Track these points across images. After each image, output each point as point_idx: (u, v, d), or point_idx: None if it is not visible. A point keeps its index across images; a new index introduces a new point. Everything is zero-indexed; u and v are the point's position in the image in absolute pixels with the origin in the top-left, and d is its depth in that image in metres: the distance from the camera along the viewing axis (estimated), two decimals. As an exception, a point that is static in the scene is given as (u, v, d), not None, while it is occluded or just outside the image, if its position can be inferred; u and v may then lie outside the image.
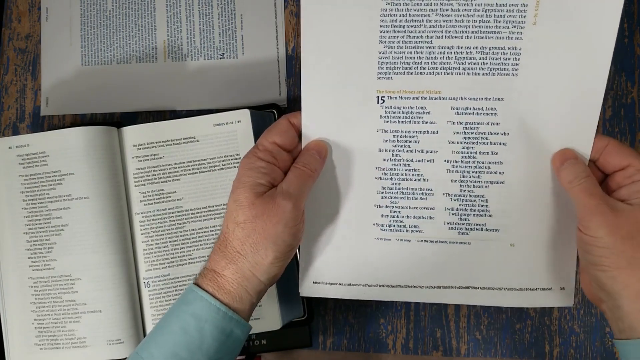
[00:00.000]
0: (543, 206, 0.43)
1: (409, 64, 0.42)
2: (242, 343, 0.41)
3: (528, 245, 0.44)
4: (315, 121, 0.43)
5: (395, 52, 0.42)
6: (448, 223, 0.44)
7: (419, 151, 0.43)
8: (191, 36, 0.56)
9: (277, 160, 0.42)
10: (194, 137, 0.49)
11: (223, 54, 0.56)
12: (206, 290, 0.40)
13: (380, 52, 0.42)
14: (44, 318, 0.49)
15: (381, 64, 0.42)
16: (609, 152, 0.41)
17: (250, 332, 0.49)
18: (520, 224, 0.43)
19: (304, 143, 0.44)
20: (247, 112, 0.49)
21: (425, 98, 0.42)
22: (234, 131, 0.49)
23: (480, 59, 0.41)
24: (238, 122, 0.49)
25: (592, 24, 0.39)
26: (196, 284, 0.41)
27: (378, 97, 0.43)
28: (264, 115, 0.52)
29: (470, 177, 0.43)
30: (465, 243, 0.44)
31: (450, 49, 0.41)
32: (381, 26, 0.41)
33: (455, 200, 0.44)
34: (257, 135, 0.50)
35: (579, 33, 0.40)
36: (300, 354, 0.55)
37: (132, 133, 0.50)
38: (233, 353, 0.41)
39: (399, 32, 0.41)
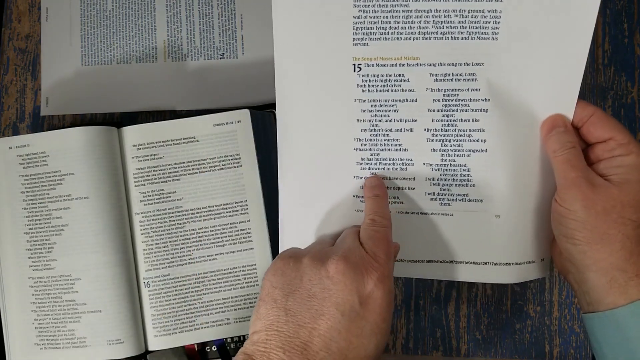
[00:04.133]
0: (528, 175, 0.42)
1: (386, 29, 0.40)
2: None
3: (514, 216, 0.42)
4: (290, 93, 0.42)
5: (370, 17, 0.40)
6: (429, 194, 0.43)
7: (398, 120, 0.42)
8: (191, 36, 0.56)
9: None
10: (194, 137, 0.50)
11: (223, 54, 0.56)
12: None
13: (355, 17, 0.40)
14: (44, 318, 0.49)
15: (356, 30, 0.40)
16: (592, 122, 0.40)
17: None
18: (505, 195, 0.42)
19: (279, 111, 0.43)
20: (247, 112, 0.49)
21: (403, 65, 0.41)
22: (234, 131, 0.49)
23: (459, 22, 0.39)
24: (238, 122, 0.49)
25: None
26: None
27: (354, 64, 0.41)
28: (264, 115, 0.52)
29: (451, 145, 0.42)
30: (448, 214, 0.43)
31: (427, 12, 0.40)
32: None
33: (436, 170, 0.42)
34: (257, 135, 0.50)
35: None
36: (300, 354, 0.55)
37: (132, 133, 0.50)
38: None
39: None
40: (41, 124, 0.57)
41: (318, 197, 0.44)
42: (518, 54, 0.40)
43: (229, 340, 0.50)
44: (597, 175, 0.38)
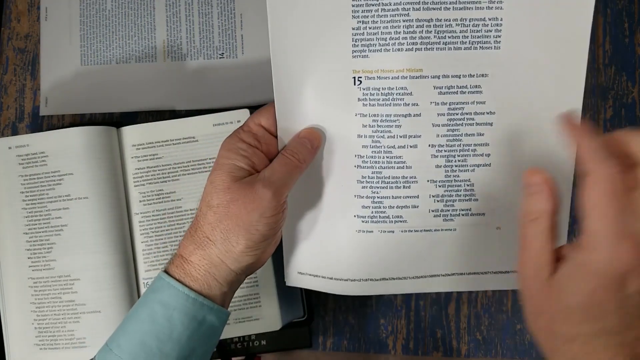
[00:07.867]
0: None
1: (386, 40, 0.38)
2: (219, 330, 0.39)
3: (514, 227, 0.42)
4: (289, 106, 0.41)
5: (370, 28, 0.38)
6: (433, 211, 0.42)
7: (401, 136, 0.40)
8: (191, 36, 0.56)
9: (261, 144, 0.40)
10: (194, 137, 0.49)
11: (223, 53, 0.56)
12: (174, 277, 0.38)
13: (353, 28, 0.39)
14: (43, 318, 0.49)
15: (355, 41, 0.39)
16: None
17: (250, 333, 0.49)
18: (507, 207, 0.42)
19: (279, 130, 0.41)
20: (247, 112, 0.49)
21: (406, 77, 0.39)
22: (234, 131, 0.49)
23: (460, 32, 0.38)
24: (238, 122, 0.49)
25: None
26: (165, 271, 0.39)
27: (354, 77, 0.40)
28: (264, 115, 0.52)
29: (455, 161, 0.41)
30: (451, 230, 0.42)
31: (429, 21, 0.38)
32: None
33: (440, 186, 0.42)
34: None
35: None
36: (300, 354, 0.55)
37: (132, 133, 0.50)
38: (209, 341, 0.39)
39: (373, 4, 0.38)
40: (40, 123, 0.57)
41: (318, 216, 0.43)
42: (521, 64, 0.39)
43: (229, 340, 0.50)
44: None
